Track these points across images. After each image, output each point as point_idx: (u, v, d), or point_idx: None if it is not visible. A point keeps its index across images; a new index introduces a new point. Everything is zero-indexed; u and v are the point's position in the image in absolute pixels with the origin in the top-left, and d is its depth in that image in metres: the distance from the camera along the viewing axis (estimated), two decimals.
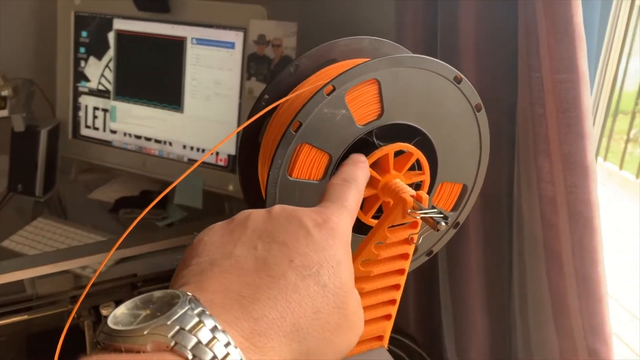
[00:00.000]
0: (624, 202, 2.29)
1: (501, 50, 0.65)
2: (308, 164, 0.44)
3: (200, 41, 1.07)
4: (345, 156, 0.45)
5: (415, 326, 0.96)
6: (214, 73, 1.07)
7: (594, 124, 0.77)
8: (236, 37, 1.05)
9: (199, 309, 0.25)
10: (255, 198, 0.53)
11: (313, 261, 0.30)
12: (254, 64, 1.05)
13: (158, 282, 0.85)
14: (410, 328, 0.97)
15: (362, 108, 0.44)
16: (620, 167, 2.39)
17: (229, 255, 0.30)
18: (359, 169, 0.41)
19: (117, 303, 0.72)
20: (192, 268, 0.30)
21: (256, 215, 0.33)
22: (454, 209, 0.52)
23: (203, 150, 1.10)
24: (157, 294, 0.26)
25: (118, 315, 0.25)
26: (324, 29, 1.06)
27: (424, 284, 0.90)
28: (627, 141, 2.46)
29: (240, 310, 0.27)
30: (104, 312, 0.71)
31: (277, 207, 0.34)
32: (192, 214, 1.11)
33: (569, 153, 0.56)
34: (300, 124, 0.42)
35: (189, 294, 0.26)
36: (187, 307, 0.25)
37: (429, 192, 0.50)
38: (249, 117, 0.49)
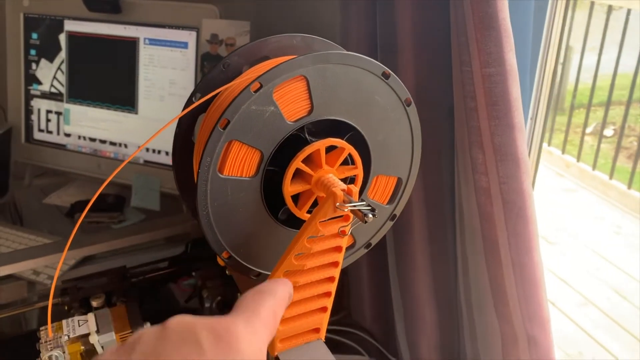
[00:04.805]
0: (580, 192, 2.36)
1: (437, 48, 0.66)
2: (239, 160, 0.45)
3: (153, 41, 1.07)
4: (277, 152, 0.45)
5: (371, 321, 0.98)
6: (167, 73, 1.07)
7: (535, 118, 0.79)
8: (189, 36, 1.05)
9: None
10: (192, 196, 0.53)
11: None
12: (208, 64, 1.05)
13: (146, 273, 0.86)
14: (367, 323, 0.98)
15: (291, 105, 0.45)
16: (578, 159, 2.45)
17: None
18: (280, 284, 0.37)
19: (107, 294, 0.72)
20: None
21: (147, 337, 0.29)
22: (389, 202, 0.53)
23: (159, 152, 1.09)
24: None
25: None
26: (276, 28, 1.07)
27: (378, 279, 0.91)
28: (584, 134, 2.52)
29: None
30: (94, 303, 0.70)
31: (174, 321, 0.29)
32: (150, 217, 1.10)
33: (500, 144, 0.57)
34: (228, 121, 0.42)
35: None
36: None
37: (364, 186, 0.51)
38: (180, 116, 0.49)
